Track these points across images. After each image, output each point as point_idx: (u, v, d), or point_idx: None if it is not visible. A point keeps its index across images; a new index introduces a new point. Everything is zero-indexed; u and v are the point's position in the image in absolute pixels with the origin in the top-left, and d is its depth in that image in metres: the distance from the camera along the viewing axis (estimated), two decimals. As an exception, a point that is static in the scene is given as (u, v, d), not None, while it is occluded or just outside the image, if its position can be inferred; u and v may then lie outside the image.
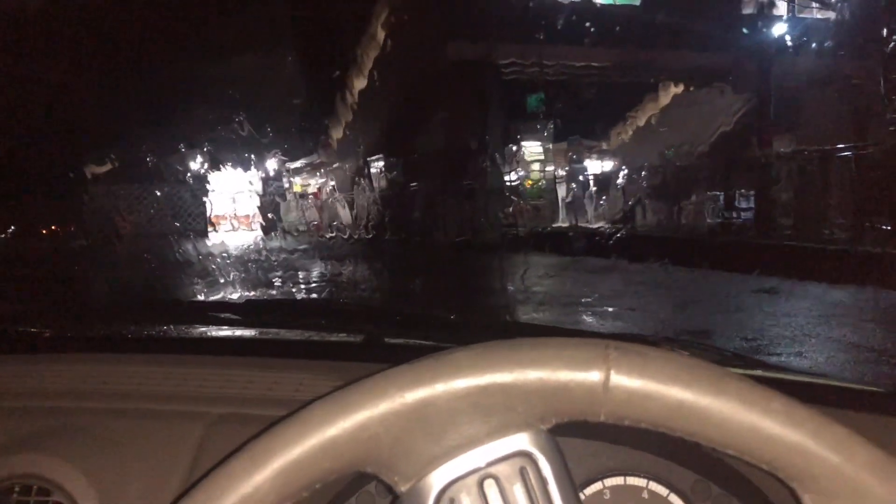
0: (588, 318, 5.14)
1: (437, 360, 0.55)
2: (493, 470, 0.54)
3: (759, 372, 1.06)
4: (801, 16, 10.72)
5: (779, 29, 10.79)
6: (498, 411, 0.54)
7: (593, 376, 0.52)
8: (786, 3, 10.57)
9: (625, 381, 0.52)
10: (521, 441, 0.54)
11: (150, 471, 0.88)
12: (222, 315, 1.23)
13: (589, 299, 6.11)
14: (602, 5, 12.64)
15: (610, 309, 5.65)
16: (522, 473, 0.54)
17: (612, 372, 0.52)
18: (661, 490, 0.90)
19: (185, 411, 0.95)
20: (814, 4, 10.36)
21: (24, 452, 0.87)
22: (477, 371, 0.53)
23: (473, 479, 0.54)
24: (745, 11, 10.87)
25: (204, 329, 1.27)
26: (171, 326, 1.26)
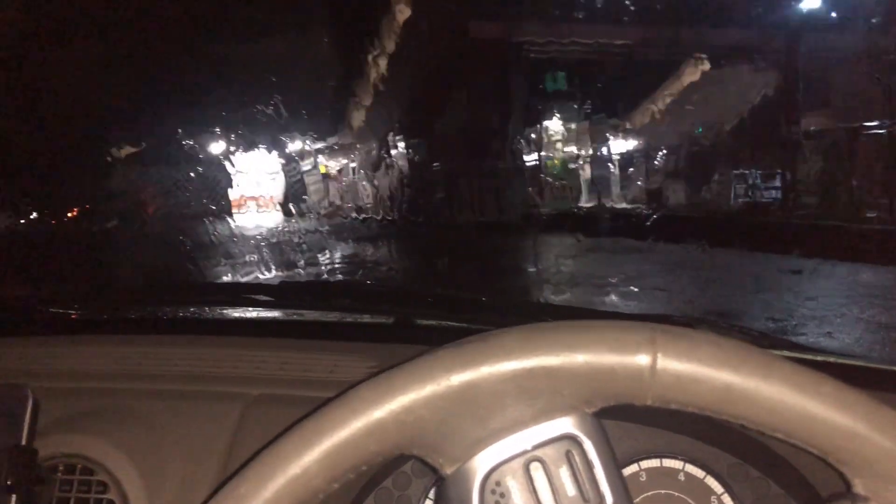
0: (614, 299, 5.11)
1: (483, 342, 0.55)
2: (539, 453, 0.54)
3: (787, 352, 1.05)
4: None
5: (809, 3, 10.57)
6: (544, 394, 0.53)
7: (640, 360, 0.52)
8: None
9: (672, 364, 0.52)
10: (567, 424, 0.54)
11: (189, 451, 0.89)
12: (255, 296, 1.23)
13: (614, 279, 6.07)
14: (627, -19, 12.46)
15: (635, 289, 5.62)
16: (568, 457, 0.54)
17: (660, 355, 0.52)
18: (698, 472, 0.90)
19: (223, 392, 0.96)
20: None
21: (69, 433, 0.88)
22: (523, 354, 0.53)
23: (519, 462, 0.54)
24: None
25: (237, 310, 1.28)
26: (205, 308, 1.27)
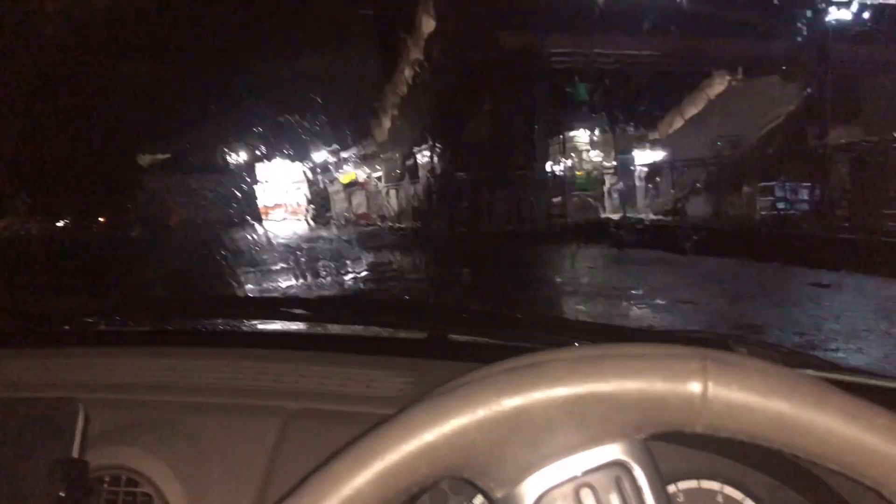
0: (642, 311, 5.09)
1: (534, 367, 0.55)
2: (589, 479, 0.54)
3: (823, 373, 1.04)
4: (861, 1, 10.38)
5: (836, 15, 10.46)
6: (594, 421, 0.54)
7: (692, 388, 0.52)
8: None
9: (723, 392, 0.52)
10: (617, 451, 0.55)
11: (231, 464, 0.90)
12: (293, 310, 1.25)
13: (640, 291, 6.04)
14: (654, -8, 12.41)
15: (662, 302, 5.59)
16: (618, 483, 0.54)
17: (711, 384, 0.52)
18: (736, 494, 0.89)
19: (263, 406, 0.97)
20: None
21: (115, 444, 0.90)
22: (575, 381, 0.53)
23: (569, 487, 0.54)
24: (801, -3, 10.57)
25: (274, 324, 1.29)
26: (242, 321, 1.29)
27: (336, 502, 0.53)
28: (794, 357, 1.25)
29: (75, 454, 0.76)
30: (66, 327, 1.24)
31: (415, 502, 0.94)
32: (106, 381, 1.04)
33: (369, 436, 0.55)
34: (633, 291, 6.05)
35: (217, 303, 1.40)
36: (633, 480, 0.54)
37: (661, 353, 0.55)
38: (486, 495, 0.57)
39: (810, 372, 1.03)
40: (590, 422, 0.54)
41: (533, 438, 0.54)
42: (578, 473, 0.55)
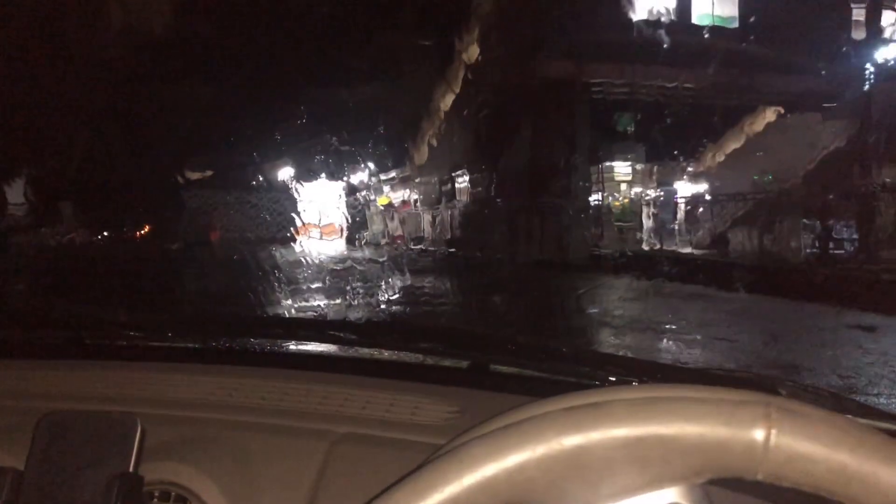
0: (679, 347, 5.03)
1: (595, 407, 0.55)
2: None
3: (878, 422, 1.02)
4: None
5: (883, 53, 10.32)
6: (655, 463, 0.54)
7: (755, 435, 0.52)
8: (892, 27, 10.12)
9: (787, 441, 0.51)
10: (676, 494, 0.55)
11: (277, 485, 0.91)
12: (337, 333, 1.26)
13: (678, 326, 5.97)
14: (698, 26, 12.37)
15: (699, 337, 5.52)
16: None
17: (774, 432, 0.52)
18: None
19: (310, 429, 0.98)
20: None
21: (165, 460, 0.91)
22: (637, 421, 0.53)
23: None
24: (846, 34, 10.45)
25: (320, 345, 1.31)
26: (290, 341, 1.31)
27: None
28: (836, 400, 1.22)
29: (132, 469, 0.78)
30: (120, 342, 1.27)
31: None
32: (158, 397, 1.06)
33: (430, 466, 0.56)
34: (671, 326, 5.98)
35: (265, 322, 1.42)
36: None
37: (725, 399, 0.55)
38: None
39: (868, 422, 1.01)
40: (650, 464, 0.54)
41: (592, 478, 0.54)
42: None
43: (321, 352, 1.29)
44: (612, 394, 0.57)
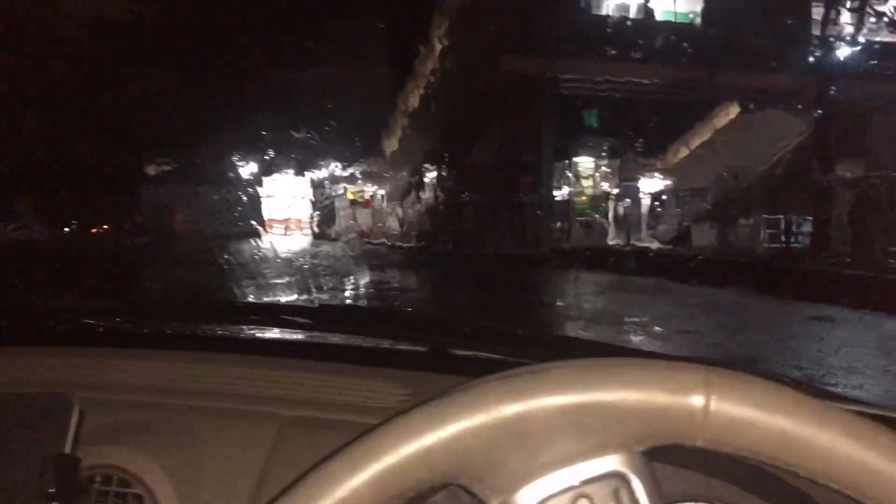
0: (642, 339, 5.08)
1: (535, 374, 0.55)
2: (586, 489, 0.54)
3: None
4: (869, 38, 10.44)
5: (844, 51, 10.52)
6: (594, 431, 0.53)
7: (694, 401, 0.51)
8: (853, 25, 10.32)
9: (726, 407, 0.51)
10: (616, 462, 0.54)
11: (225, 468, 0.90)
12: (293, 318, 1.24)
13: (640, 319, 6.03)
14: (661, 22, 12.49)
15: (661, 329, 5.58)
16: (616, 495, 0.54)
17: (714, 398, 0.51)
18: None
19: (259, 412, 0.97)
20: (882, 27, 10.09)
21: (107, 444, 0.89)
22: (575, 389, 0.53)
23: (566, 497, 0.54)
24: (808, 32, 10.63)
25: (273, 331, 1.29)
26: (241, 327, 1.29)
27: (330, 503, 0.52)
28: (800, 388, 1.24)
29: (67, 450, 0.76)
30: (66, 327, 1.24)
31: (430, 497, 0.93)
32: (102, 381, 1.03)
33: (366, 437, 0.55)
34: (635, 318, 6.04)
35: (217, 308, 1.40)
36: (632, 493, 0.54)
37: (665, 366, 0.54)
38: (480, 502, 0.56)
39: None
40: (590, 431, 0.53)
41: (531, 446, 0.53)
42: (576, 483, 0.54)
43: (275, 338, 1.27)
44: (553, 365, 0.57)
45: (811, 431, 0.50)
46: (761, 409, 0.51)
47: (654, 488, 0.55)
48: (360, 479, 0.52)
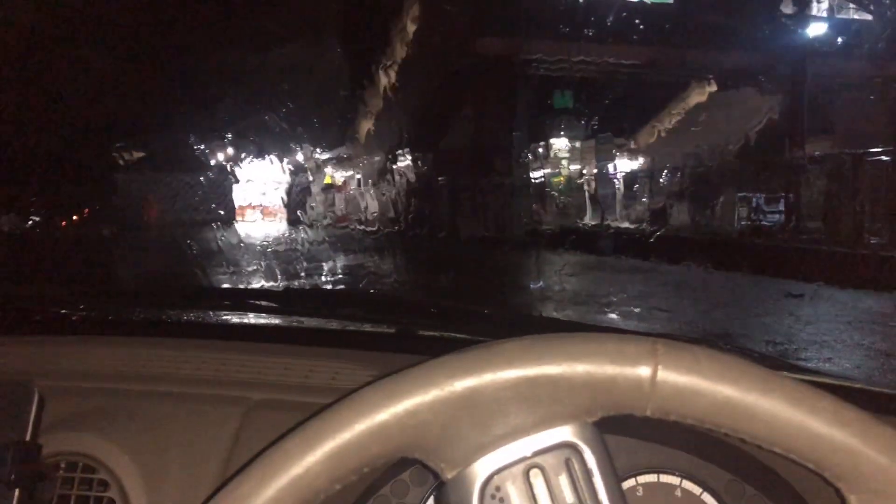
0: (615, 317, 5.11)
1: (487, 350, 0.55)
2: (538, 460, 0.55)
3: (787, 373, 1.06)
4: (838, 16, 10.54)
5: (814, 29, 10.61)
6: (545, 403, 0.54)
7: (641, 371, 0.52)
8: (822, 4, 10.40)
9: (672, 376, 0.52)
10: (567, 433, 0.55)
11: (190, 452, 0.90)
12: (259, 302, 1.24)
13: (616, 298, 6.06)
14: (634, 2, 12.50)
15: (636, 309, 5.62)
16: (568, 465, 0.55)
17: (660, 367, 0.52)
18: (695, 489, 0.90)
19: (225, 395, 0.97)
20: (851, 5, 10.18)
21: (71, 430, 0.89)
22: (526, 362, 0.54)
23: (519, 468, 0.55)
24: (780, 11, 10.70)
25: (240, 316, 1.29)
26: (208, 312, 1.28)
27: (286, 480, 0.53)
28: (766, 361, 1.26)
29: (28, 437, 0.75)
30: (29, 316, 1.23)
31: (377, 493, 0.94)
32: (65, 369, 1.02)
33: (321, 416, 0.55)
34: (609, 298, 6.07)
35: (183, 293, 1.39)
36: (583, 462, 0.55)
37: (613, 339, 0.55)
38: (436, 476, 0.57)
39: (785, 374, 1.04)
40: (540, 404, 0.54)
41: (484, 419, 0.54)
42: (528, 454, 0.55)
43: (241, 323, 1.27)
44: (507, 341, 0.57)
45: (754, 398, 0.51)
46: (706, 377, 0.52)
47: (605, 458, 0.56)
48: (315, 455, 0.53)
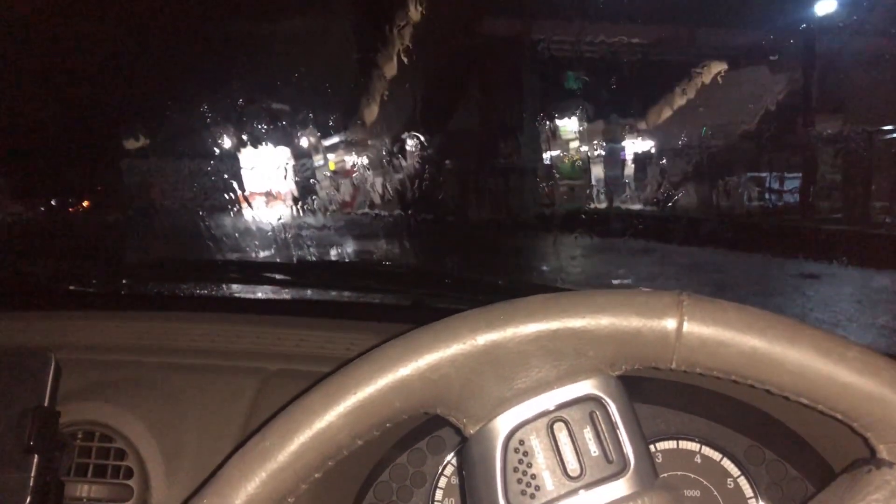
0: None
1: (510, 304, 0.55)
2: (562, 413, 0.54)
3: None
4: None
5: (826, 6, 10.48)
6: (568, 356, 0.54)
7: (667, 323, 0.52)
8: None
9: (698, 328, 0.51)
10: (591, 386, 0.54)
11: (207, 422, 0.90)
12: (273, 275, 1.24)
13: (626, 280, 6.05)
14: (643, -19, 12.38)
15: (647, 290, 5.59)
16: (592, 418, 0.54)
17: (686, 319, 0.52)
18: (714, 455, 0.89)
19: (241, 366, 0.97)
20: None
21: (88, 400, 0.89)
22: (548, 315, 0.53)
23: (543, 422, 0.54)
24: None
25: (253, 289, 1.28)
26: (221, 286, 1.28)
27: (309, 435, 0.52)
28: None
29: (46, 403, 0.75)
30: (44, 291, 1.23)
31: (393, 462, 0.94)
32: (82, 342, 1.02)
33: (343, 371, 0.55)
34: (621, 280, 6.05)
35: (196, 267, 1.39)
36: (608, 415, 0.54)
37: (637, 293, 0.55)
38: (459, 431, 0.56)
39: None
40: (564, 357, 0.54)
41: (507, 373, 0.54)
42: (552, 408, 0.54)
43: (255, 297, 1.26)
44: (529, 297, 0.57)
45: (781, 348, 0.51)
46: (733, 328, 0.51)
47: (629, 411, 0.55)
48: (337, 410, 0.52)
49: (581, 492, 0.53)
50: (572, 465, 0.53)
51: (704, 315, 0.52)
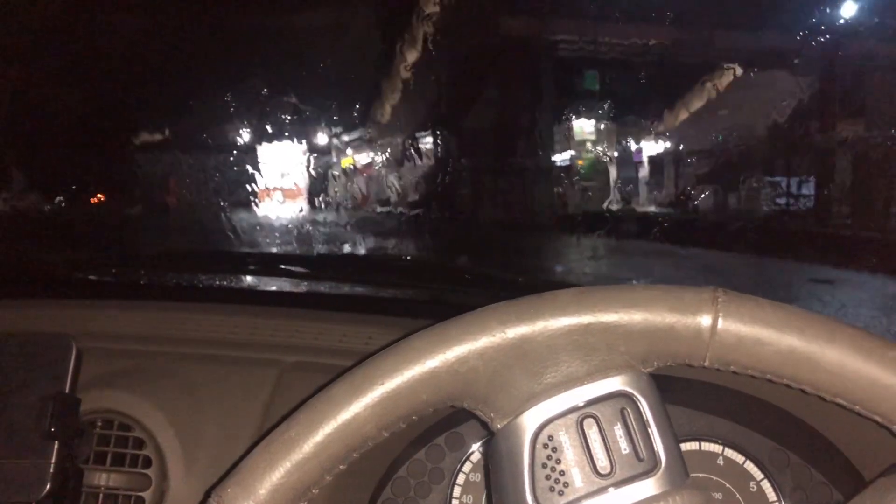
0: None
1: (540, 297, 0.54)
2: (592, 409, 0.53)
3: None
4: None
5: (847, 9, 10.40)
6: (599, 351, 0.52)
7: (702, 319, 0.51)
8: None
9: (734, 325, 0.50)
10: (622, 382, 0.53)
11: (225, 413, 0.89)
12: (292, 268, 1.23)
13: (640, 282, 5.99)
14: (661, -17, 12.33)
15: (681, 286, 5.53)
16: (623, 415, 0.53)
17: (721, 316, 0.51)
18: (737, 457, 0.88)
19: (259, 358, 0.96)
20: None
21: (108, 389, 0.89)
22: (580, 309, 0.52)
23: (573, 417, 0.53)
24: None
25: (271, 281, 1.28)
26: (240, 278, 1.28)
27: (334, 426, 0.52)
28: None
29: (67, 390, 0.75)
30: (65, 280, 1.23)
31: (411, 458, 0.93)
32: (101, 330, 1.02)
33: (370, 361, 0.54)
34: (634, 281, 6.01)
35: (215, 258, 1.39)
36: (638, 412, 0.53)
37: (671, 288, 0.54)
38: (486, 426, 0.56)
39: None
40: (595, 352, 0.53)
41: (536, 368, 0.53)
42: (581, 404, 0.53)
43: (273, 287, 1.26)
44: (561, 290, 0.56)
45: (819, 347, 0.49)
46: (770, 326, 0.50)
47: (661, 409, 0.54)
48: (363, 402, 0.52)
49: (611, 489, 0.52)
50: (602, 463, 0.52)
51: (740, 312, 0.50)
